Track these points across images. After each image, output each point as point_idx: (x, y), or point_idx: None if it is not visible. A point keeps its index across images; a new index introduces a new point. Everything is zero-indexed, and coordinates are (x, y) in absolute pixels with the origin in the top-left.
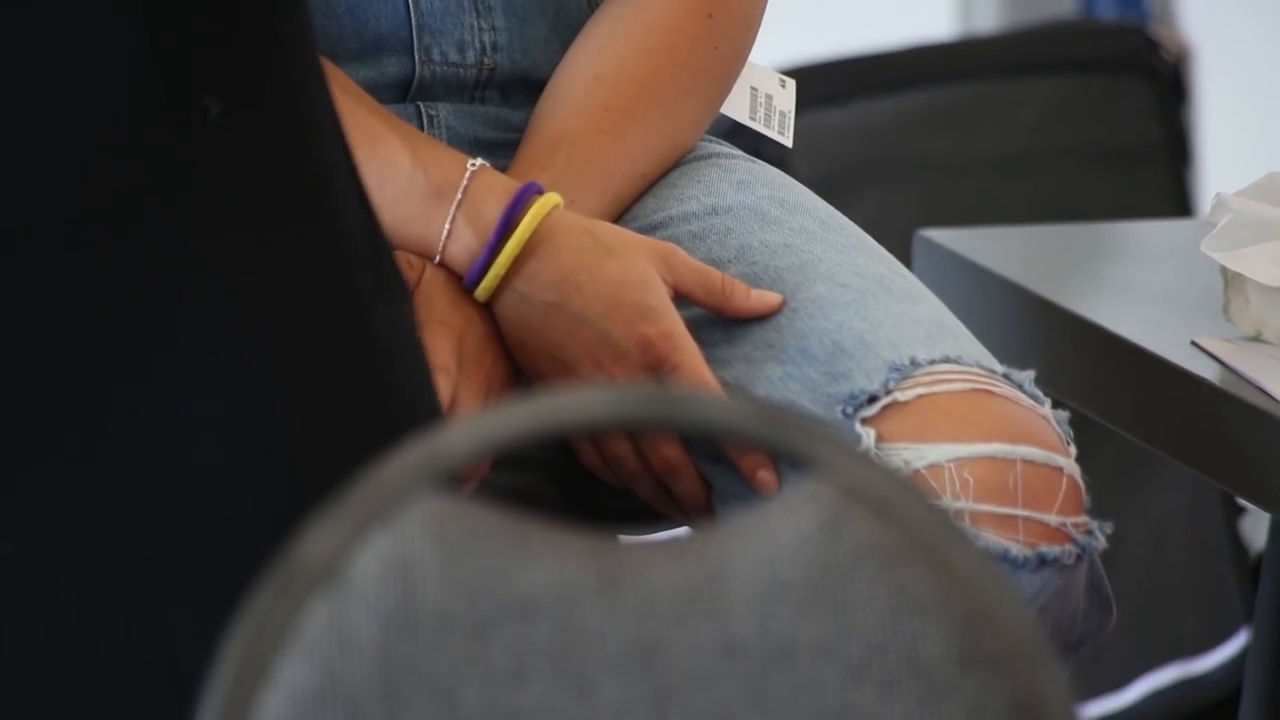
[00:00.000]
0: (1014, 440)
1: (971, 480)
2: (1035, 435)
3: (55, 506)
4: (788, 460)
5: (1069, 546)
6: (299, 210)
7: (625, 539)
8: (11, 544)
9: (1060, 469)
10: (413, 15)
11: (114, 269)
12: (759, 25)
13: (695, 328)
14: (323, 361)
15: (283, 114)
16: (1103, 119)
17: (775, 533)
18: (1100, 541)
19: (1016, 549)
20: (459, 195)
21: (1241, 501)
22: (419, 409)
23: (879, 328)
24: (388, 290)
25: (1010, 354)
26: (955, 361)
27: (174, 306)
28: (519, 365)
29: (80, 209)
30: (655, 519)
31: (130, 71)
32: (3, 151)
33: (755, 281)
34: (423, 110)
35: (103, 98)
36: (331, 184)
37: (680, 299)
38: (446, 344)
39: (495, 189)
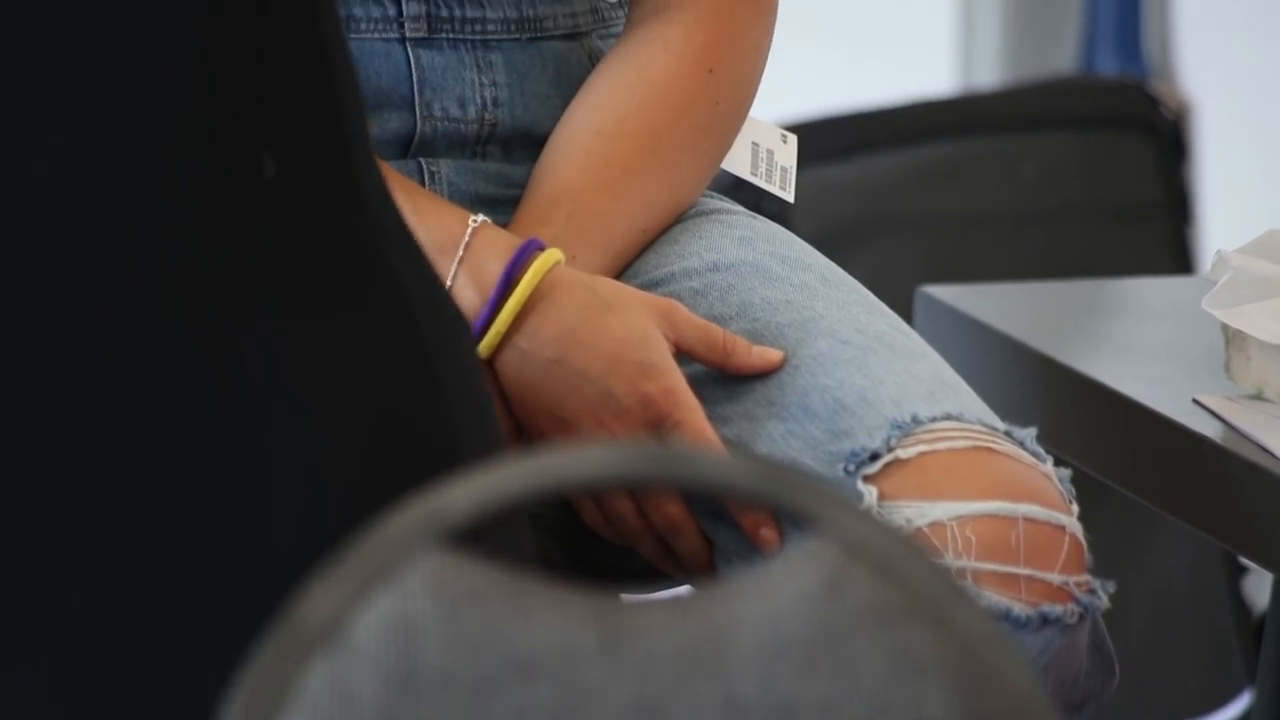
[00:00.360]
0: (1016, 498)
1: (973, 538)
2: (1037, 493)
3: (129, 566)
4: (790, 518)
5: (1071, 606)
6: (357, 264)
7: (627, 598)
8: (83, 599)
9: (1062, 527)
10: (414, 71)
11: (176, 327)
12: (760, 81)
13: (697, 384)
14: (391, 414)
15: (337, 170)
16: (1103, 175)
17: (777, 591)
18: (1103, 601)
19: (1019, 608)
20: (460, 252)
21: (1244, 561)
22: (484, 449)
23: (881, 385)
24: (449, 333)
25: (1012, 411)
26: (957, 419)
27: (237, 363)
28: (520, 423)
29: (139, 268)
30: (657, 577)
31: (188, 131)
32: (62, 213)
33: (757, 338)
34: (424, 166)
35: (159, 157)
36: (385, 236)
37: (682, 355)
38: None
39: (497, 245)
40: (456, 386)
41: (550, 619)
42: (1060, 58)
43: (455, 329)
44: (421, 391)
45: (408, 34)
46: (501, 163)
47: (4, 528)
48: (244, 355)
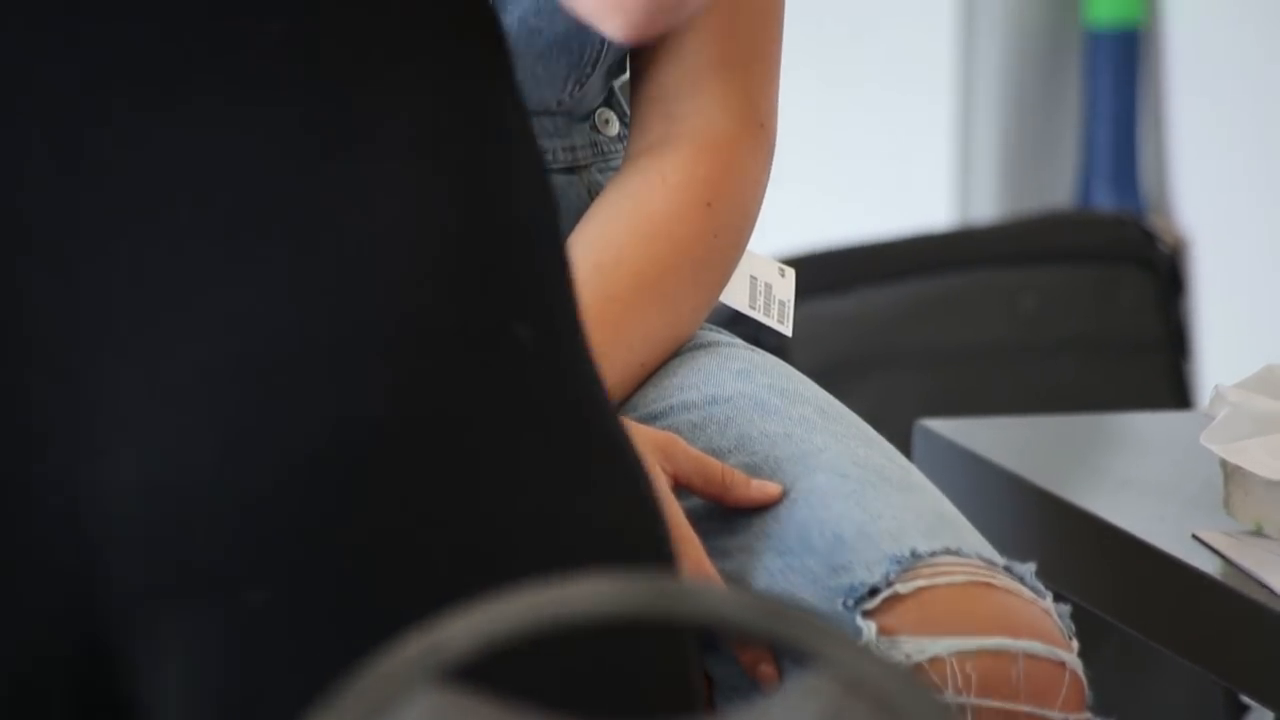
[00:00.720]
0: (1016, 634)
1: (974, 674)
2: (1037, 629)
3: None
4: (789, 653)
5: None
6: (598, 432)
7: None
8: None
9: (1063, 663)
10: None
11: (431, 498)
12: (758, 214)
13: (695, 518)
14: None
15: (571, 336)
16: (1100, 309)
17: None
18: None
19: None
20: None
21: (1244, 699)
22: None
23: (879, 519)
24: (658, 501)
25: (1011, 546)
26: (956, 553)
27: (488, 523)
28: None
29: (393, 431)
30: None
31: (447, 302)
32: (321, 382)
33: (755, 471)
34: None
35: (417, 326)
36: (603, 401)
37: (680, 489)
38: None
39: None
40: (670, 561)
41: None
42: (1057, 192)
43: (660, 499)
44: (656, 565)
45: None
46: None
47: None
48: (492, 513)
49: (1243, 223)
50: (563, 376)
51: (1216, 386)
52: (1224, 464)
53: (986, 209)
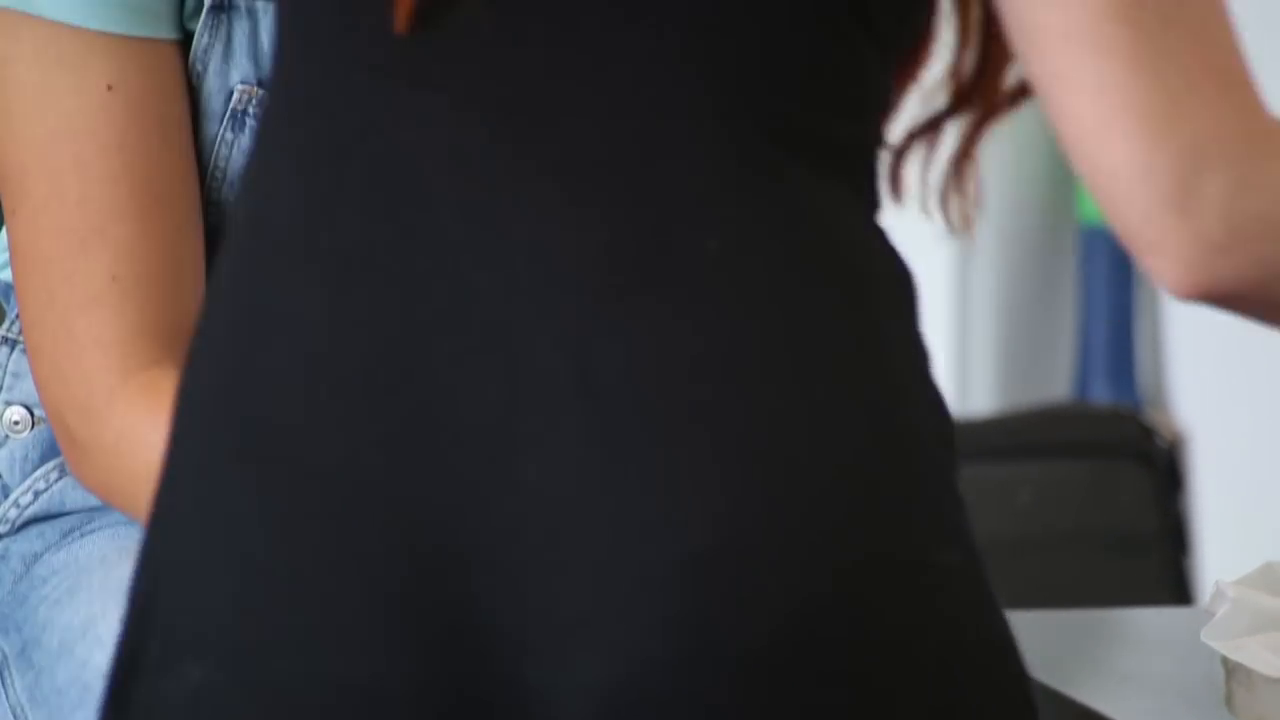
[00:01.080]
0: None
1: None
2: None
3: None
4: None
5: None
6: (1009, 661)
7: None
8: None
9: None
10: None
11: (858, 692)
12: None
13: None
14: None
15: (980, 559)
16: (1098, 504)
17: None
18: None
19: None
20: None
21: None
22: None
23: None
24: None
25: None
26: None
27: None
28: None
29: (830, 636)
30: None
31: (876, 523)
32: (763, 578)
33: None
34: None
35: (847, 540)
36: (1009, 628)
37: None
38: None
39: None
40: None
41: None
42: (1054, 386)
43: None
44: None
45: None
46: None
47: None
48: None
49: (1241, 417)
50: (981, 604)
51: (1217, 583)
52: (1225, 661)
53: (983, 402)
